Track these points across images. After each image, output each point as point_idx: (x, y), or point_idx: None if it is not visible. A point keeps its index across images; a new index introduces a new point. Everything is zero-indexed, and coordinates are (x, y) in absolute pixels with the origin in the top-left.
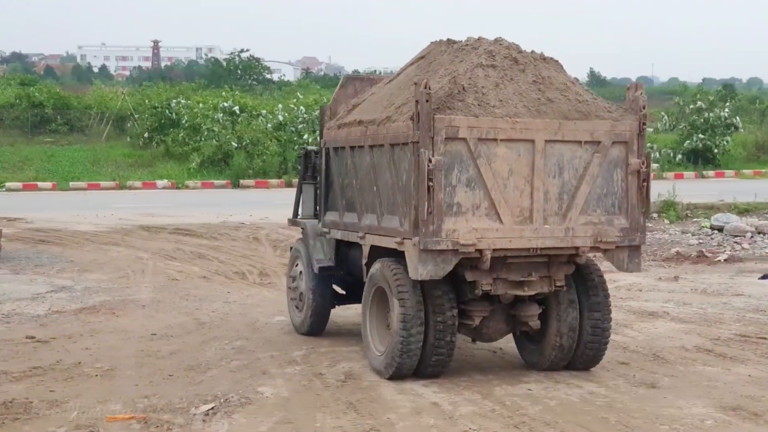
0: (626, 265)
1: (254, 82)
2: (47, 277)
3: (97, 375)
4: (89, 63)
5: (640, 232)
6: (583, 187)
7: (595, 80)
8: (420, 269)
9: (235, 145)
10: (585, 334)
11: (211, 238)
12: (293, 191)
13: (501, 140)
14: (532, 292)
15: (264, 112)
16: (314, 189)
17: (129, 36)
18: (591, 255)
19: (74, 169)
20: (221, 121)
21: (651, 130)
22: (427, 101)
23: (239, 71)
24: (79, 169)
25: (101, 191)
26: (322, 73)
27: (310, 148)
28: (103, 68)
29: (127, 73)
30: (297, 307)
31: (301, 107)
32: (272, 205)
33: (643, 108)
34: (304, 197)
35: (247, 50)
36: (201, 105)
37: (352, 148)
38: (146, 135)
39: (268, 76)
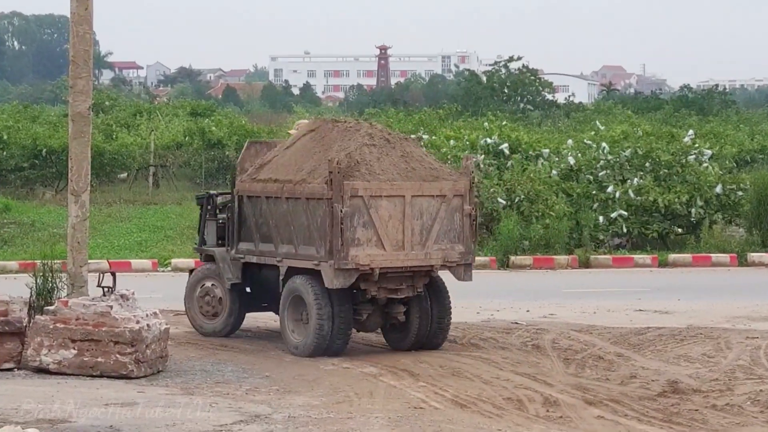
0: (462, 276)
1: (529, 107)
2: (233, 399)
3: None
4: (286, 81)
5: (471, 254)
6: (435, 225)
7: None
8: (335, 281)
9: (503, 202)
10: (434, 323)
11: (470, 345)
12: (593, 273)
13: (384, 196)
14: (402, 296)
15: (546, 151)
16: (216, 225)
17: (344, 41)
18: (439, 272)
19: None
20: (482, 165)
21: None
22: (338, 172)
23: (506, 89)
24: None
25: None
26: (632, 90)
27: (212, 192)
28: (307, 88)
29: (342, 95)
30: (213, 316)
31: (603, 144)
32: (561, 294)
33: (472, 173)
34: (208, 231)
35: (519, 58)
36: (452, 142)
37: (268, 197)
38: None
39: (551, 97)
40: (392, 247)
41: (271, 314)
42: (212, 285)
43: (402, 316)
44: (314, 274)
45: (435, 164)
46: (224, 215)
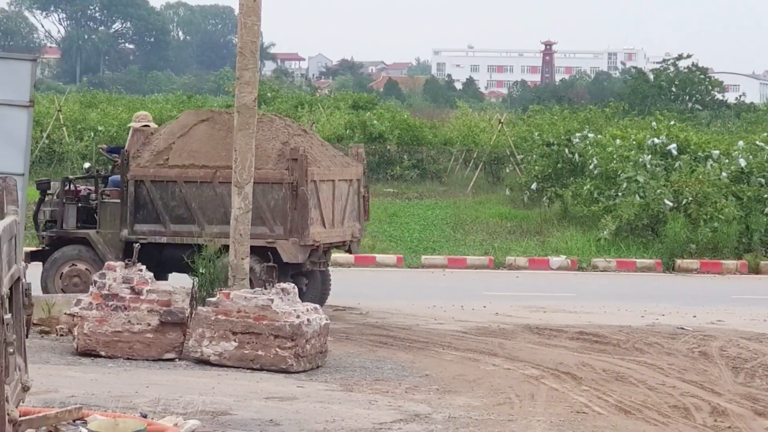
0: (356, 250)
1: (698, 106)
2: (392, 398)
3: None
4: (449, 76)
5: (363, 230)
6: (348, 206)
7: None
8: (299, 256)
9: (670, 204)
10: (320, 292)
11: (634, 350)
12: (763, 279)
13: (325, 180)
14: (323, 268)
15: (716, 152)
16: (76, 208)
17: (508, 37)
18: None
19: (427, 236)
20: (649, 166)
21: None
22: (305, 160)
23: (674, 88)
24: (434, 236)
25: (468, 270)
26: None
27: (69, 177)
28: (470, 83)
29: (505, 90)
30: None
31: None
32: (729, 300)
33: (364, 160)
34: (68, 214)
35: (688, 56)
36: (618, 141)
37: (188, 182)
38: (534, 186)
39: (720, 96)
40: (329, 224)
41: None
42: (86, 269)
43: (304, 286)
44: (258, 251)
45: (340, 153)
46: (79, 198)
